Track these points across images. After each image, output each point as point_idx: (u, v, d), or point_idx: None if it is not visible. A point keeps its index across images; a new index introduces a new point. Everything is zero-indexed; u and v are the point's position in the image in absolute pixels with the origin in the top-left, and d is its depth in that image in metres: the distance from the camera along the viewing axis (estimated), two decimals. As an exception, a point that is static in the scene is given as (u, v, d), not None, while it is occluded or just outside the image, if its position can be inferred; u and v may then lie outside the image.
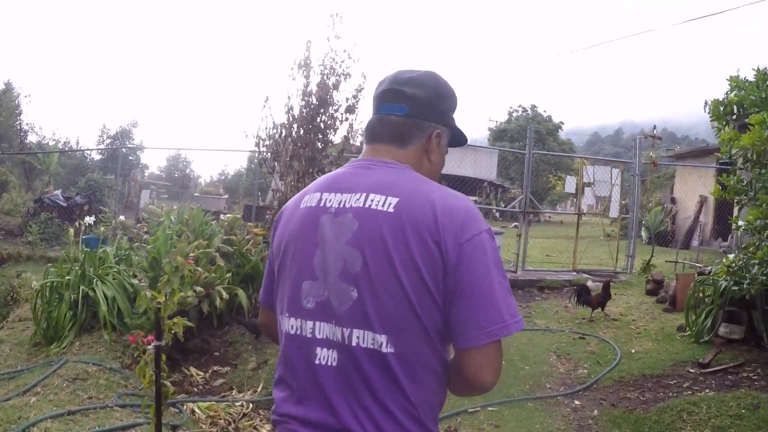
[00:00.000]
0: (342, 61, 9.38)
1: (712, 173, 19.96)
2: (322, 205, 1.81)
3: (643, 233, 21.77)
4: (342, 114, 9.54)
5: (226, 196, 16.88)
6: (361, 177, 1.82)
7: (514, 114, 50.54)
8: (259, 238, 9.78)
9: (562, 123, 50.30)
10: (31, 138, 49.29)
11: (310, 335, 1.74)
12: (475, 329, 1.61)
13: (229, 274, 9.27)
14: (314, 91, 9.32)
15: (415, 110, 1.88)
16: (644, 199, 22.39)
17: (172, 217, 11.08)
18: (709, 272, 9.14)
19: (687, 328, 8.60)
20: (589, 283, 12.69)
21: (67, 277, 9.14)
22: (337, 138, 9.76)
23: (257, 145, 9.41)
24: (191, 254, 9.43)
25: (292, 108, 9.37)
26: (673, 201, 24.76)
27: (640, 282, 12.87)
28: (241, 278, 9.80)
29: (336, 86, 9.40)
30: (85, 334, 8.38)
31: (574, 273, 13.82)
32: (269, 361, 7.70)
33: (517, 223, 31.56)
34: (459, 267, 1.62)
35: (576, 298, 10.28)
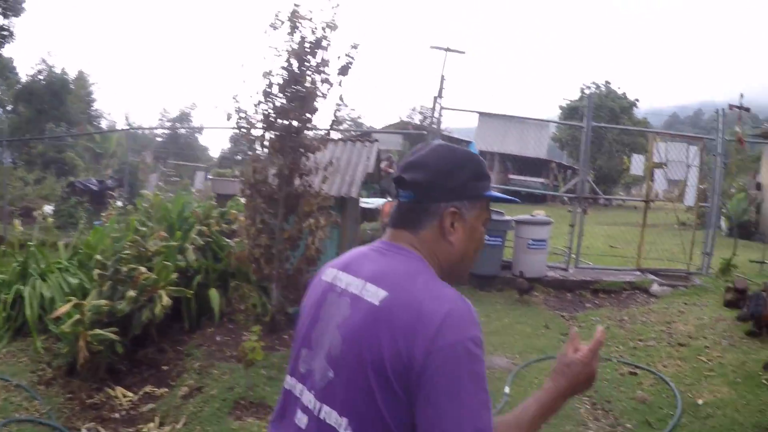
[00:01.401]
0: (332, 8, 7.38)
1: (808, 155, 17.86)
2: (333, 282, 1.89)
3: (723, 223, 19.29)
4: (331, 76, 7.55)
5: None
6: (370, 262, 1.85)
7: (587, 91, 46.77)
8: (252, 229, 7.95)
9: (638, 100, 46.68)
10: (103, 124, 50.22)
11: (297, 395, 1.86)
12: None
13: (195, 275, 8.12)
14: (295, 49, 7.33)
15: (421, 194, 1.85)
16: (725, 184, 19.79)
17: (144, 206, 9.48)
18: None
19: (779, 367, 6.31)
20: (655, 287, 10.49)
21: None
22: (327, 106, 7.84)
23: (228, 119, 7.52)
24: (152, 248, 7.87)
25: (270, 72, 7.40)
26: (758, 187, 21.85)
27: (718, 288, 10.48)
28: (218, 275, 8.42)
29: (319, 43, 7.39)
30: (20, 339, 7.66)
31: (638, 272, 11.55)
32: (204, 389, 6.32)
33: (586, 208, 29.61)
34: (423, 376, 1.57)
35: (748, 307, 7.95)
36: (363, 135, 12.18)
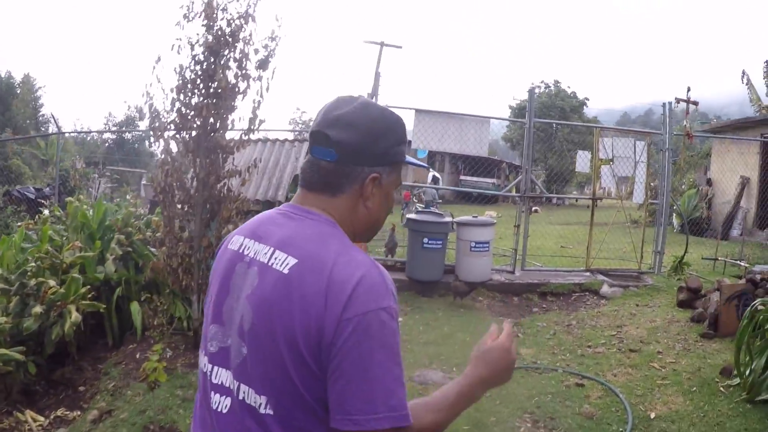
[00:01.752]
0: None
1: (756, 149, 18.09)
2: (240, 251, 1.77)
3: (675, 220, 19.00)
4: (250, 71, 6.99)
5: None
6: (279, 227, 1.74)
7: (536, 90, 46.78)
8: (170, 237, 7.37)
9: (587, 99, 46.76)
10: (52, 130, 48.71)
11: (209, 377, 1.74)
12: (341, 413, 1.50)
13: (117, 287, 7.48)
14: (209, 42, 6.75)
15: (345, 156, 1.71)
16: (675, 181, 19.50)
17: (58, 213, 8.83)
18: (762, 279, 7.33)
19: (736, 373, 5.80)
20: (605, 288, 10.05)
21: None
22: (247, 104, 7.26)
23: (141, 118, 6.94)
24: (67, 260, 7.23)
25: (182, 68, 6.80)
26: (708, 183, 21.48)
27: (670, 287, 10.10)
28: (141, 287, 7.76)
29: (235, 35, 6.83)
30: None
31: (588, 273, 11.08)
32: (115, 412, 5.68)
33: (537, 207, 29.21)
34: (334, 347, 1.51)
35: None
36: (296, 134, 11.45)
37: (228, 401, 1.67)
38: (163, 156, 6.98)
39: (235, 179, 7.10)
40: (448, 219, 10.34)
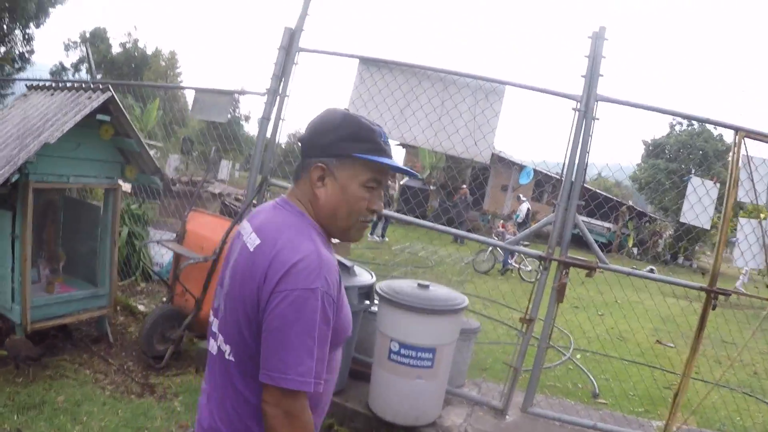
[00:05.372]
0: None
1: None
2: (240, 231, 2.13)
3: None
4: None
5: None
6: (264, 214, 2.11)
7: (677, 127, 40.78)
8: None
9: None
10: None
11: (211, 327, 2.16)
12: (263, 368, 1.83)
13: None
14: None
15: (303, 150, 2.10)
16: None
17: None
18: None
19: None
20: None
21: None
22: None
23: None
24: None
25: None
26: None
27: None
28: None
29: None
30: None
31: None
32: None
33: (653, 267, 22.31)
34: (265, 312, 1.83)
35: None
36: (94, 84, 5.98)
37: (215, 346, 2.06)
38: None
39: None
40: (359, 280, 4.79)
